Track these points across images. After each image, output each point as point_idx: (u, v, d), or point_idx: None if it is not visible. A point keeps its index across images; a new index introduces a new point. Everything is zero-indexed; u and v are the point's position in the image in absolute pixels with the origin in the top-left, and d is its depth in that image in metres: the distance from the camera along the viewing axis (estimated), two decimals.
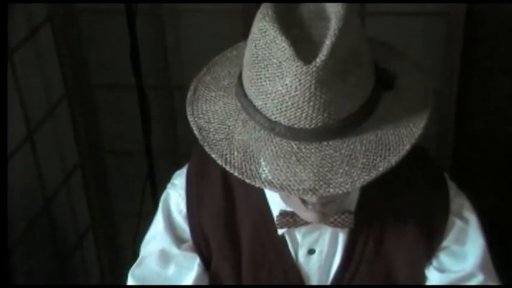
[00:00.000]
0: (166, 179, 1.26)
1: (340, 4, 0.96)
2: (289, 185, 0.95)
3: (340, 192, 0.94)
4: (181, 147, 2.19)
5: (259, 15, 0.97)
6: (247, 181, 0.97)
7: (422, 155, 1.19)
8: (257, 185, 0.97)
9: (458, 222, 1.16)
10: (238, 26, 1.93)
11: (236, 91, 1.04)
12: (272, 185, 0.96)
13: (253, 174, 0.97)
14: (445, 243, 1.16)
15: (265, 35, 0.95)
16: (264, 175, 0.96)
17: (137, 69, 1.94)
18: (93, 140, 2.23)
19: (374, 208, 1.14)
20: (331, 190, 0.94)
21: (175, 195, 1.21)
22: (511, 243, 2.03)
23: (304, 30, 0.95)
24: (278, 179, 0.95)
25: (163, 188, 1.25)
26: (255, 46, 0.96)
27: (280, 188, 0.95)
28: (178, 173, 1.24)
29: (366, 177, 0.94)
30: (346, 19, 0.94)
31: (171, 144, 2.20)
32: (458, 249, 1.16)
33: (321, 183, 0.94)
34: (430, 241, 1.15)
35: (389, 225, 1.16)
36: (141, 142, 2.06)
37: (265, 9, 0.97)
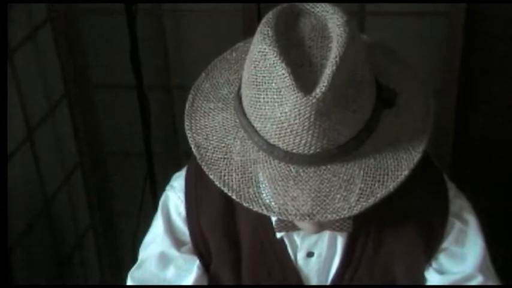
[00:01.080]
0: (166, 179, 1.26)
1: (342, 25, 0.93)
2: (287, 210, 0.95)
3: (337, 217, 0.94)
4: (181, 147, 2.19)
5: (259, 36, 0.95)
6: (245, 205, 0.97)
7: (422, 156, 1.19)
8: (255, 209, 0.96)
9: (457, 224, 1.16)
10: (238, 26, 1.93)
11: (235, 106, 1.03)
12: (270, 209, 0.96)
13: (252, 197, 0.97)
14: (444, 244, 1.15)
15: (265, 58, 0.93)
16: (262, 199, 0.96)
17: (137, 69, 1.94)
18: (93, 140, 2.23)
19: (373, 211, 1.14)
20: (329, 216, 0.94)
21: (174, 197, 1.21)
22: (511, 244, 2.03)
23: (304, 51, 0.93)
24: (276, 203, 0.95)
25: (163, 188, 1.25)
26: (255, 67, 0.95)
27: (278, 213, 0.95)
28: (177, 175, 1.24)
29: (364, 204, 0.95)
30: (348, 44, 0.92)
31: (171, 144, 2.20)
32: (457, 250, 1.15)
33: (318, 208, 0.94)
34: (430, 243, 1.15)
35: (389, 227, 1.15)
36: (141, 142, 2.06)
37: (265, 29, 0.95)
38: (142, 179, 2.10)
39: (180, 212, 1.20)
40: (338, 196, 0.94)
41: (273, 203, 0.95)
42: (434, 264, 1.16)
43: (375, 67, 1.01)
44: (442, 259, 1.16)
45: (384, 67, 1.05)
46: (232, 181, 0.98)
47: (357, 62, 0.95)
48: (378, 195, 0.95)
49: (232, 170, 0.99)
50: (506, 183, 2.12)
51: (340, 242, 1.16)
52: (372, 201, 0.95)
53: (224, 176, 0.99)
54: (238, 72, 1.05)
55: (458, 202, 1.17)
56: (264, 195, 0.96)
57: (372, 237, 1.16)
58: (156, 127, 2.08)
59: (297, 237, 1.16)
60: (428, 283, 1.16)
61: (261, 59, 0.94)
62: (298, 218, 0.95)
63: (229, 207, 1.17)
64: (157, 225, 1.21)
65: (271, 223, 1.15)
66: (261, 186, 0.97)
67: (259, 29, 0.96)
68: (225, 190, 0.98)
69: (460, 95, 2.00)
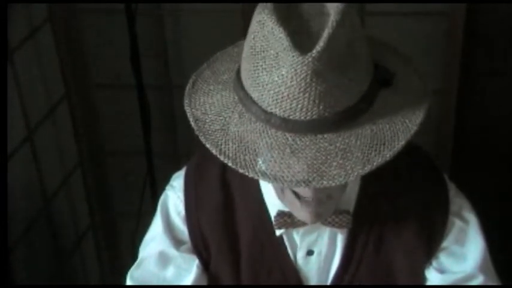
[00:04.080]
0: (166, 179, 1.26)
1: (339, 2, 0.96)
2: (283, 176, 0.95)
3: (334, 184, 0.94)
4: (181, 147, 2.19)
5: (258, 9, 0.98)
6: (241, 171, 0.97)
7: (422, 156, 1.19)
8: (250, 175, 0.97)
9: (458, 223, 1.16)
10: (238, 26, 1.93)
11: (234, 84, 1.04)
12: (265, 176, 0.96)
13: (247, 164, 0.97)
14: (445, 243, 1.16)
15: (263, 26, 0.96)
16: (257, 166, 0.97)
17: (137, 69, 1.94)
18: (93, 140, 2.22)
19: (373, 209, 1.14)
20: (325, 182, 0.94)
21: (174, 197, 1.21)
22: (511, 243, 2.03)
23: (302, 24, 0.96)
24: (272, 170, 0.96)
25: (163, 188, 1.25)
26: (253, 38, 0.97)
27: (273, 179, 0.96)
28: (176, 174, 1.24)
29: (360, 171, 0.95)
30: (344, 13, 0.95)
31: (171, 144, 2.20)
32: (458, 249, 1.16)
33: (315, 175, 0.94)
34: (430, 242, 1.15)
35: (389, 226, 1.16)
36: (141, 142, 2.06)
37: (264, 3, 0.98)
38: (142, 179, 2.10)
39: (180, 212, 1.20)
40: (334, 164, 0.95)
41: (268, 171, 0.96)
42: (434, 264, 1.16)
43: (373, 54, 1.03)
44: (443, 258, 1.16)
45: (382, 54, 1.07)
46: (228, 150, 0.99)
47: (353, 33, 0.97)
48: (374, 163, 0.95)
49: (228, 139, 1.00)
50: (506, 183, 2.12)
51: (340, 240, 1.16)
52: (368, 168, 0.95)
53: (221, 145, 1.00)
54: (239, 62, 1.06)
55: (458, 201, 1.17)
56: (261, 162, 0.97)
57: (373, 236, 1.16)
58: (156, 127, 2.08)
59: (296, 236, 1.16)
60: (429, 282, 1.16)
61: (259, 28, 0.96)
62: (293, 184, 0.95)
63: (228, 206, 1.18)
64: (157, 225, 1.21)
65: (271, 221, 1.15)
66: (257, 154, 0.97)
67: (258, 5, 0.99)
68: (221, 158, 0.99)
69: (460, 95, 2.00)
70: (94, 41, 2.07)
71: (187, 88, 1.09)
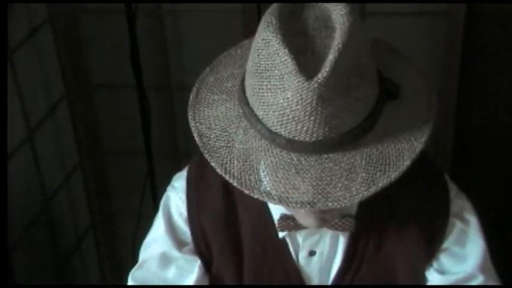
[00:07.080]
0: (166, 179, 1.26)
1: (345, 14, 0.94)
2: (288, 198, 0.95)
3: (339, 206, 0.94)
4: (181, 147, 2.19)
5: (262, 24, 0.96)
6: (246, 192, 0.97)
7: (422, 156, 1.19)
8: (255, 196, 0.96)
9: (458, 224, 1.16)
10: (238, 26, 1.92)
11: (238, 97, 1.03)
12: (270, 197, 0.96)
13: (252, 185, 0.97)
14: (445, 244, 1.16)
15: (268, 45, 0.94)
16: (262, 186, 0.96)
17: (137, 69, 1.94)
18: (93, 140, 2.22)
19: (374, 211, 1.14)
20: (330, 204, 0.94)
21: (175, 198, 1.21)
22: (511, 244, 2.03)
23: (308, 40, 0.94)
24: (277, 191, 0.95)
25: (163, 188, 1.25)
26: (258, 56, 0.96)
27: (278, 201, 0.95)
28: (178, 175, 1.24)
29: (365, 192, 0.94)
30: (351, 32, 0.92)
31: (171, 144, 2.20)
32: (458, 250, 1.16)
33: (320, 196, 0.94)
34: (431, 242, 1.15)
35: (390, 227, 1.15)
36: (141, 142, 2.06)
37: (269, 18, 0.96)
38: (142, 179, 2.10)
39: (182, 213, 1.20)
40: (339, 185, 0.94)
41: (273, 191, 0.95)
42: (435, 265, 1.16)
43: (378, 62, 1.02)
44: (443, 259, 1.16)
45: (387, 62, 1.06)
46: (233, 168, 0.98)
47: (360, 51, 0.95)
48: (379, 184, 0.95)
49: (233, 157, 0.99)
50: (507, 182, 2.12)
51: (342, 241, 1.16)
52: (373, 190, 0.94)
53: (226, 163, 0.99)
54: (243, 67, 1.05)
55: (459, 202, 1.17)
56: (265, 182, 0.96)
57: (374, 237, 1.16)
58: (156, 127, 2.08)
59: (299, 237, 1.16)
60: (429, 283, 1.16)
61: (264, 46, 0.95)
62: (299, 206, 0.94)
63: (230, 207, 1.17)
64: (159, 226, 1.21)
65: (273, 223, 1.15)
66: (262, 174, 0.97)
67: (263, 18, 0.97)
68: (226, 177, 0.98)
69: (460, 95, 2.00)
70: (94, 41, 2.07)
71: (190, 97, 1.08)
